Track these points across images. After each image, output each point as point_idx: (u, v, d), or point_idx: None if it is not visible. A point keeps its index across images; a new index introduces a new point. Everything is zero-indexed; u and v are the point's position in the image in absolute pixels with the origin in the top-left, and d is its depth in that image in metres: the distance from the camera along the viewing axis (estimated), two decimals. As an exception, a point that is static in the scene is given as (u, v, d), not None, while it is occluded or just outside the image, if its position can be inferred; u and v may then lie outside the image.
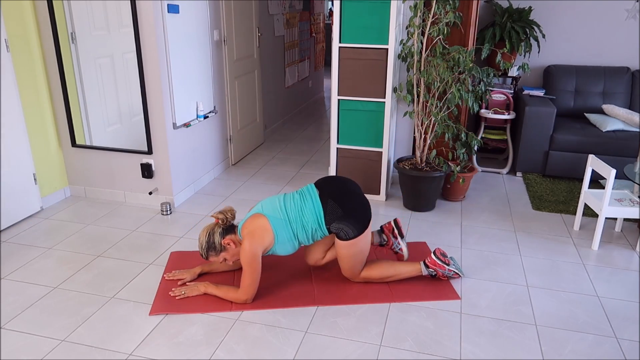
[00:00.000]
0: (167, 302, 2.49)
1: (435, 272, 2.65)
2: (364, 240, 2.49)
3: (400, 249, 2.82)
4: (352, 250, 2.49)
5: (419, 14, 3.32)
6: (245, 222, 2.46)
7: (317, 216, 2.43)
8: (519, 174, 4.35)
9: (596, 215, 3.53)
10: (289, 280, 2.71)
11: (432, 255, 2.65)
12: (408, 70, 3.59)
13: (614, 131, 4.07)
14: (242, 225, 2.46)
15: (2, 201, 3.21)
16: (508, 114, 4.24)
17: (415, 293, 2.59)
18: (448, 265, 2.64)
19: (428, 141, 3.59)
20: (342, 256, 2.53)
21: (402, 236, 2.82)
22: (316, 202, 2.44)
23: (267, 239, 2.40)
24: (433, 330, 2.31)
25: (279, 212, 2.45)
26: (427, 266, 2.65)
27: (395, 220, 2.84)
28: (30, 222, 3.37)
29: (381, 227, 2.87)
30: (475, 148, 3.59)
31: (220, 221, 2.46)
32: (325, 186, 2.51)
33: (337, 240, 2.49)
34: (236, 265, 2.78)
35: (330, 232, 2.47)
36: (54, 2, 3.29)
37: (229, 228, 2.49)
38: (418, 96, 3.56)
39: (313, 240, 2.52)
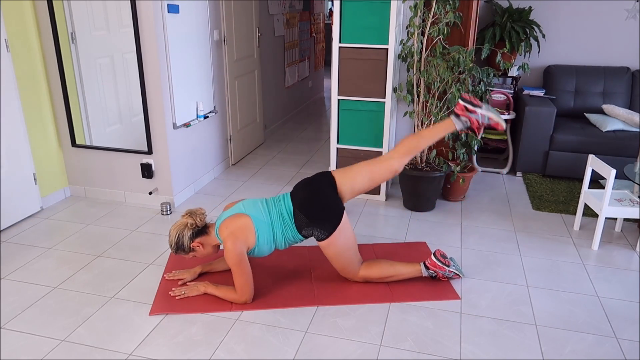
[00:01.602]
0: (167, 302, 2.49)
1: (436, 274, 2.65)
2: (342, 237, 2.47)
3: (490, 118, 2.47)
4: (333, 250, 2.49)
5: (419, 14, 3.33)
6: (225, 221, 2.44)
7: (291, 223, 2.46)
8: (519, 174, 4.35)
9: (596, 215, 3.53)
10: (289, 280, 2.71)
11: (432, 256, 2.65)
12: (408, 70, 3.59)
13: (614, 131, 4.07)
14: (221, 225, 2.43)
15: (2, 201, 3.21)
16: (508, 114, 4.24)
17: (415, 293, 2.59)
18: (448, 266, 2.64)
19: (428, 141, 3.58)
20: (329, 257, 2.55)
21: (479, 106, 2.47)
22: (289, 211, 2.47)
23: (250, 239, 2.40)
24: (433, 330, 2.31)
25: (263, 214, 2.45)
26: (427, 267, 2.65)
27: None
28: (30, 222, 3.37)
29: (454, 112, 2.55)
30: (475, 148, 3.59)
31: (189, 224, 2.44)
32: (296, 194, 2.51)
33: (318, 243, 2.51)
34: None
35: (305, 236, 2.50)
36: (54, 2, 3.29)
37: (200, 230, 2.47)
38: (418, 96, 3.56)
39: (288, 244, 2.54)
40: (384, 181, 2.60)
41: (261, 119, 5.14)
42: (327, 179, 2.54)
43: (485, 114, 2.46)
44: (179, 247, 2.45)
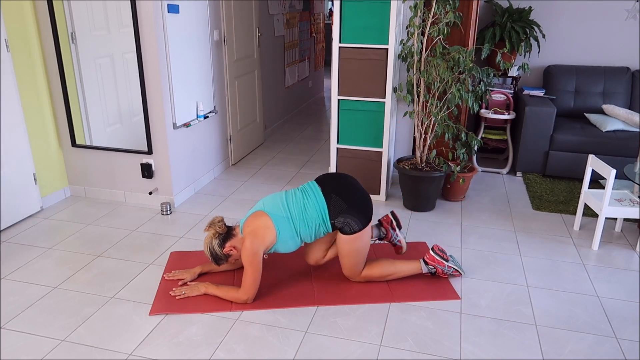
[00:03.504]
0: (167, 302, 2.49)
1: (435, 269, 2.66)
2: (367, 235, 2.51)
3: (399, 241, 2.83)
4: (355, 245, 2.49)
5: (419, 14, 3.33)
6: (247, 220, 2.46)
7: (321, 212, 2.44)
8: (519, 174, 4.35)
9: (596, 215, 3.53)
10: (289, 280, 2.71)
11: (431, 251, 2.67)
12: (408, 70, 3.59)
13: (614, 131, 4.07)
14: (244, 224, 2.46)
15: (2, 201, 3.21)
16: (508, 114, 4.24)
17: (415, 293, 2.59)
18: (447, 261, 2.65)
19: (428, 141, 3.59)
20: (346, 252, 2.52)
21: (399, 227, 2.84)
22: (319, 198, 2.45)
23: (269, 238, 2.40)
24: (433, 330, 2.31)
25: (282, 210, 2.45)
26: (426, 263, 2.66)
27: (392, 213, 2.84)
28: (30, 222, 3.37)
29: (379, 220, 2.87)
30: (475, 148, 3.59)
31: (213, 235, 2.46)
32: (327, 182, 2.52)
33: (340, 236, 2.48)
34: (236, 264, 2.78)
35: (334, 227, 2.48)
36: (54, 2, 3.29)
37: (225, 235, 2.47)
38: (418, 96, 3.56)
39: (316, 237, 2.53)
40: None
41: (261, 119, 5.14)
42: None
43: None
44: (216, 258, 2.48)
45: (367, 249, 2.56)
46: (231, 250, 2.46)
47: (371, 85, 3.55)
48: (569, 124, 4.23)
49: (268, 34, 5.29)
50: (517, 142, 4.29)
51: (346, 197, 2.45)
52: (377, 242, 2.95)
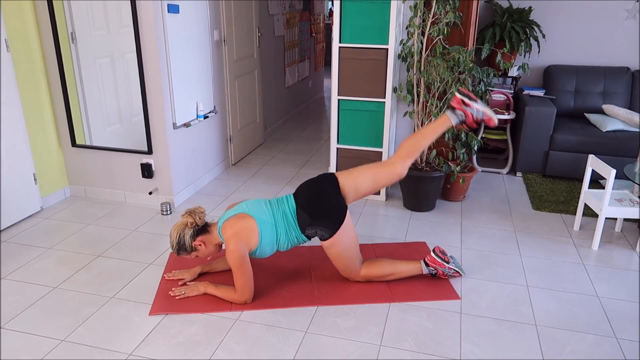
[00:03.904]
0: (167, 302, 2.49)
1: (436, 271, 2.66)
2: (345, 236, 2.48)
3: (484, 113, 2.51)
4: (335, 249, 2.50)
5: (419, 14, 3.33)
6: (229, 221, 2.44)
7: (294, 224, 2.47)
8: (519, 174, 4.35)
9: (596, 215, 3.53)
10: (289, 280, 2.71)
11: (432, 253, 2.66)
12: (408, 70, 3.59)
13: (614, 131, 4.07)
14: (224, 224, 2.44)
15: (2, 201, 3.21)
16: (508, 114, 4.24)
17: (415, 293, 2.59)
18: (448, 263, 2.64)
19: (428, 141, 3.58)
20: (332, 257, 2.55)
21: (474, 100, 2.50)
22: (292, 211, 2.48)
23: (252, 241, 2.40)
24: (433, 330, 2.31)
25: (267, 215, 2.45)
26: (427, 264, 2.65)
27: (459, 91, 2.54)
28: (30, 222, 3.37)
29: (450, 105, 2.57)
30: (476, 148, 3.59)
31: (189, 224, 2.44)
32: (299, 196, 2.53)
33: (321, 243, 2.51)
34: (204, 261, 2.80)
35: (308, 237, 2.50)
36: (54, 2, 3.29)
37: (200, 228, 2.46)
38: (418, 96, 3.56)
39: (291, 246, 2.54)
40: (388, 184, 2.62)
41: (261, 119, 5.14)
42: (329, 179, 2.55)
43: (480, 108, 2.51)
44: (180, 247, 2.45)
45: (353, 249, 2.54)
46: (200, 245, 2.45)
47: (371, 85, 3.55)
48: (569, 124, 4.23)
49: (268, 34, 5.29)
50: (517, 142, 4.29)
51: (310, 211, 2.45)
52: (465, 128, 2.55)
